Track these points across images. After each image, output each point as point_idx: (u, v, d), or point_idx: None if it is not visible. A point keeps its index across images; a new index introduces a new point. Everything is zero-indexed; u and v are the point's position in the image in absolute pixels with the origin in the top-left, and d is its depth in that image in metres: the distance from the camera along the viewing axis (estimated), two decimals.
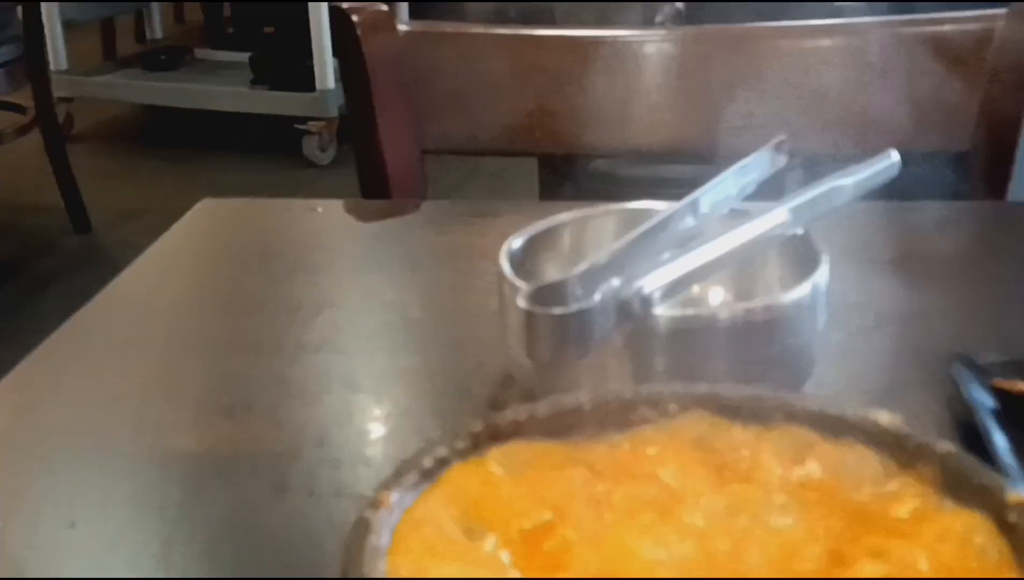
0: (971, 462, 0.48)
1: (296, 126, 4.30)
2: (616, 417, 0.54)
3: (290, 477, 0.76)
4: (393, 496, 0.48)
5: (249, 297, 0.99)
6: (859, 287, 0.96)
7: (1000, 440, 0.72)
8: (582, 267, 0.73)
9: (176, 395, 0.86)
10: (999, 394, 0.78)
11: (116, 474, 0.77)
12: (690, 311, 0.76)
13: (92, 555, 0.69)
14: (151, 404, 0.85)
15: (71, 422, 0.83)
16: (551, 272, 0.84)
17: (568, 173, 1.60)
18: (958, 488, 0.48)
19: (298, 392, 0.86)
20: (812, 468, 0.51)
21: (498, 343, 0.79)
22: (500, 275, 0.78)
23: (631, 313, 0.72)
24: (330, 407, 0.84)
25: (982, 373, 0.80)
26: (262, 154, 4.39)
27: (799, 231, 0.81)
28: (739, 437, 0.53)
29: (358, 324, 0.95)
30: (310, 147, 4.34)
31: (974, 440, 0.73)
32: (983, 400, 0.77)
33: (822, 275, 0.77)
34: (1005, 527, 0.45)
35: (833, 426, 0.52)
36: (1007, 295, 0.96)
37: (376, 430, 0.82)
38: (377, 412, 0.84)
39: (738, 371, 0.75)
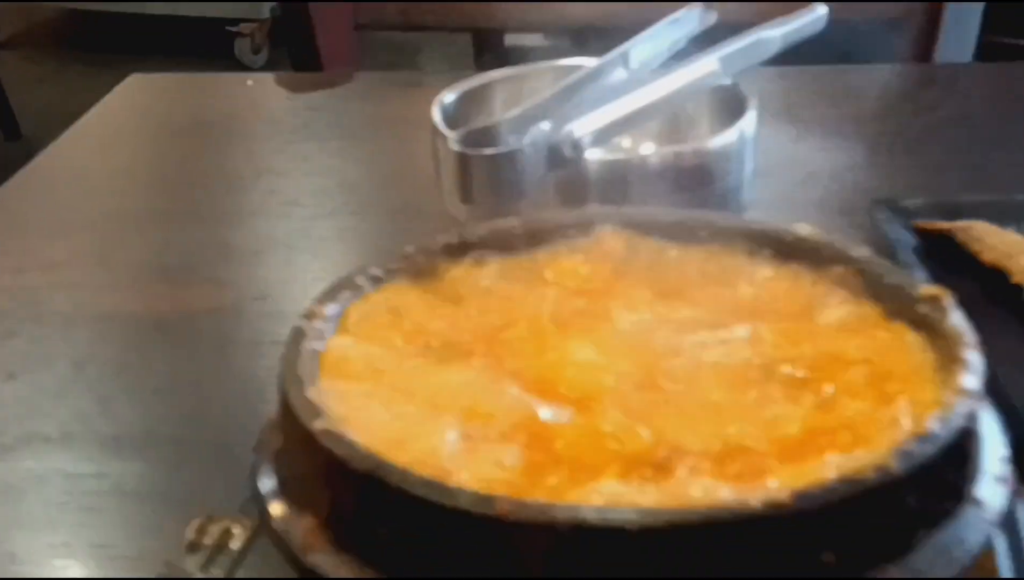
0: (885, 265, 0.50)
1: (228, 29, 4.20)
2: (547, 236, 0.55)
3: (233, 332, 0.76)
4: (328, 308, 0.49)
5: (185, 168, 0.99)
6: (790, 144, 0.98)
7: (920, 275, 0.75)
8: (513, 112, 0.74)
9: (114, 261, 0.86)
10: (921, 234, 0.80)
11: (54, 334, 0.77)
12: (620, 154, 0.77)
13: (34, 406, 0.70)
14: (88, 269, 0.84)
15: (5, 288, 0.82)
16: (484, 122, 0.84)
17: (501, 50, 1.59)
18: (875, 289, 0.50)
19: (239, 254, 0.86)
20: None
21: (435, 205, 0.80)
22: (433, 127, 0.79)
23: (562, 157, 0.73)
24: (272, 266, 0.85)
25: (904, 215, 0.82)
26: (194, 58, 4.28)
27: (728, 81, 0.82)
28: (669, 254, 0.54)
29: (296, 189, 0.95)
30: (242, 50, 4.24)
31: None
32: (905, 239, 0.79)
33: (749, 122, 0.79)
34: (917, 320, 0.47)
35: (755, 239, 0.54)
36: (933, 150, 0.98)
37: (318, 286, 0.82)
38: (318, 269, 0.85)
39: None
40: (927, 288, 0.47)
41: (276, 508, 0.43)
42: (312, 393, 0.43)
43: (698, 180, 0.76)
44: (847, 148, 0.98)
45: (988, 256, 0.74)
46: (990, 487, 0.41)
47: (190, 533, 0.50)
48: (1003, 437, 0.44)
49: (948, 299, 0.47)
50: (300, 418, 0.42)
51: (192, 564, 0.49)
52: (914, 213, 0.82)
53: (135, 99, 1.13)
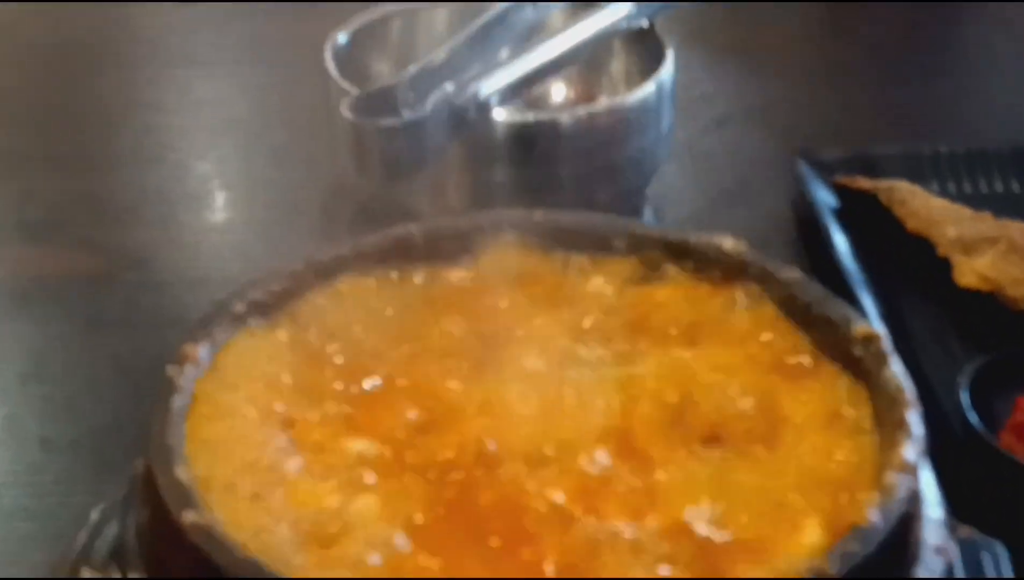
0: (816, 291, 0.46)
1: None
2: (438, 249, 0.50)
3: (106, 307, 0.70)
4: (200, 349, 0.43)
5: (46, 103, 0.88)
6: (706, 80, 0.93)
7: (840, 242, 0.71)
8: (413, 70, 0.67)
9: None
10: (841, 191, 0.77)
11: None
12: (530, 116, 0.71)
13: None
14: None
15: None
16: (380, 68, 0.77)
17: None
18: (805, 317, 0.46)
19: (111, 209, 0.78)
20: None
21: (327, 150, 0.73)
22: (325, 75, 0.71)
23: (467, 120, 0.66)
24: (148, 224, 0.77)
25: (824, 169, 0.78)
26: None
27: (644, 24, 0.76)
28: (575, 268, 0.50)
29: (176, 129, 0.87)
30: None
31: (817, 239, 0.72)
32: (825, 199, 0.76)
33: (667, 72, 0.73)
34: (850, 362, 0.43)
35: (677, 251, 0.49)
36: (852, 85, 0.94)
37: (199, 250, 0.76)
38: (199, 226, 0.78)
39: (583, 175, 0.71)
40: (862, 328, 0.44)
41: None
42: (181, 472, 0.38)
43: (614, 140, 0.71)
44: (763, 85, 0.93)
45: (912, 224, 0.71)
46: (929, 563, 0.39)
47: None
48: (939, 495, 0.41)
49: (884, 342, 0.43)
50: (168, 506, 0.37)
51: None
52: (833, 167, 0.78)
53: None
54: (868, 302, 0.65)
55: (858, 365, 0.43)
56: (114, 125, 0.87)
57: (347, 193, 0.75)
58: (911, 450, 0.38)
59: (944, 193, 0.75)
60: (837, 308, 0.45)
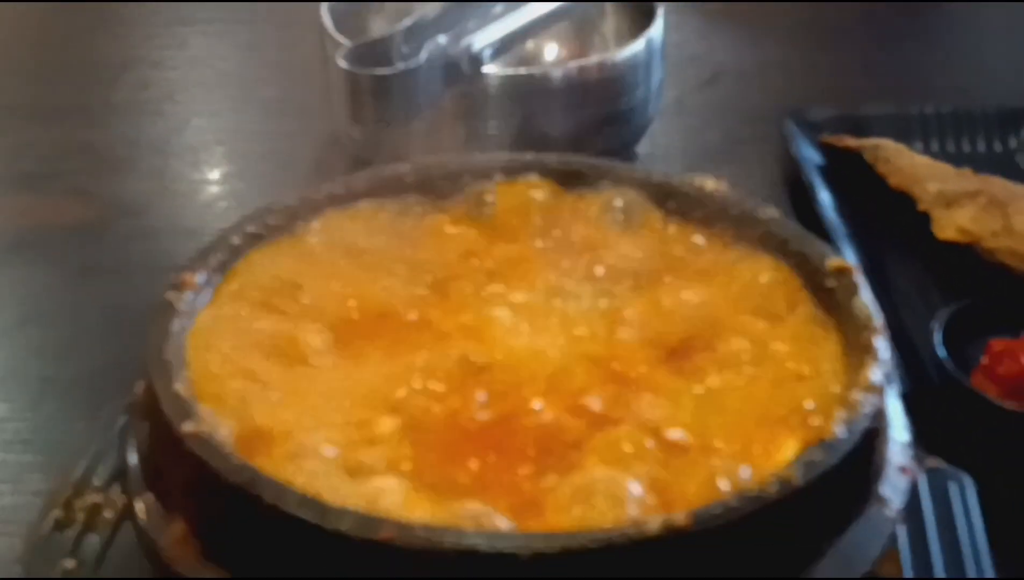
0: (793, 229, 0.48)
1: None
2: (438, 186, 0.51)
3: (100, 253, 0.71)
4: (198, 277, 0.45)
5: (43, 57, 0.90)
6: (698, 39, 0.94)
7: (825, 197, 0.73)
8: (407, 22, 0.68)
9: None
10: (827, 149, 0.78)
11: None
12: (522, 70, 0.72)
13: None
14: None
15: None
16: (378, 26, 0.78)
17: None
18: (782, 253, 0.47)
19: (107, 160, 0.79)
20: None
21: (322, 103, 0.74)
22: (321, 29, 0.73)
23: (460, 73, 0.68)
24: (143, 175, 0.78)
25: (812, 129, 0.80)
26: None
27: None
28: (569, 206, 0.51)
29: (171, 82, 0.88)
30: None
31: (803, 196, 0.74)
32: (811, 157, 0.77)
33: (657, 29, 0.74)
34: (822, 291, 0.45)
35: (659, 192, 0.51)
36: (843, 48, 0.95)
37: (194, 200, 0.77)
38: (196, 178, 0.79)
39: (573, 130, 0.72)
40: (835, 260, 0.45)
41: (143, 507, 0.40)
42: (180, 387, 0.39)
43: (604, 96, 0.72)
44: (755, 47, 0.94)
45: (895, 180, 0.73)
46: (893, 481, 0.40)
47: (56, 511, 0.46)
48: (904, 418, 0.43)
49: (856, 274, 0.44)
50: (168, 418, 0.38)
51: (59, 545, 0.45)
52: (821, 126, 0.80)
53: None
54: (850, 255, 0.66)
55: (831, 295, 0.44)
56: (111, 80, 0.88)
57: (340, 146, 0.76)
58: (877, 372, 0.40)
59: (929, 152, 0.77)
60: (812, 244, 0.47)
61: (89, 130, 0.82)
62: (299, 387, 0.41)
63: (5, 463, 0.57)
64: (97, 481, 0.47)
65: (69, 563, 0.43)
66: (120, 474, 0.44)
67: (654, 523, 0.34)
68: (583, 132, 0.73)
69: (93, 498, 0.46)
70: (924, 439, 0.50)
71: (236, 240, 0.47)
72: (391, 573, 0.34)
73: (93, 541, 0.44)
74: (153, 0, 0.99)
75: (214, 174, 0.80)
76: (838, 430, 0.38)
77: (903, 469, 0.41)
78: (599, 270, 0.49)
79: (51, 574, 0.43)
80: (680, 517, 0.34)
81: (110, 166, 0.79)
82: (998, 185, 0.69)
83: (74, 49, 0.91)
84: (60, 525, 0.45)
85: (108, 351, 0.62)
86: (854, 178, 0.75)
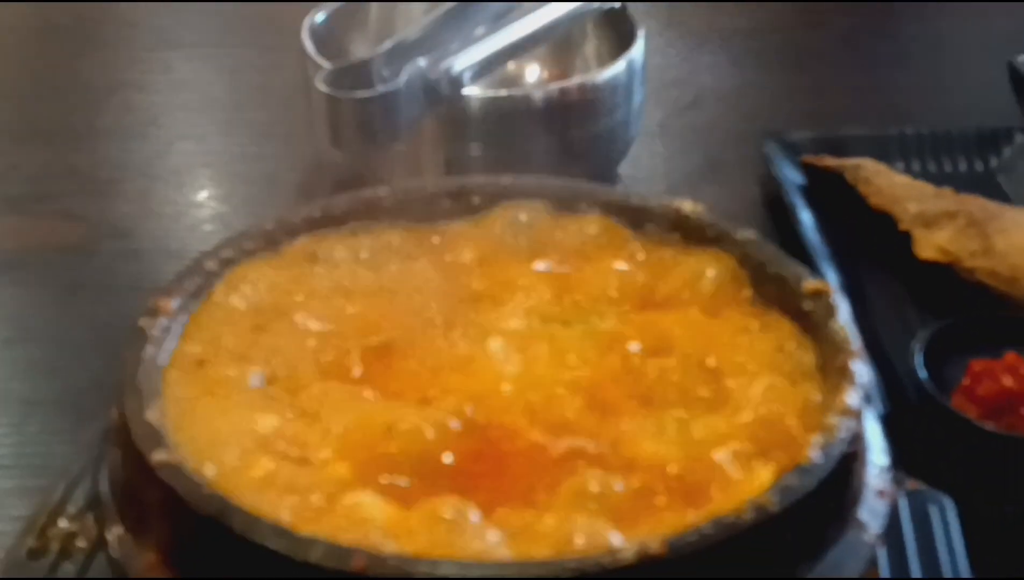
0: (770, 251, 0.48)
1: None
2: (418, 210, 0.51)
3: (85, 274, 0.71)
4: (173, 302, 0.45)
5: (30, 80, 0.90)
6: (680, 62, 0.95)
7: (806, 218, 0.73)
8: (387, 45, 0.69)
9: None
10: (808, 170, 0.78)
11: None
12: (502, 92, 0.72)
13: None
14: None
15: None
16: (357, 49, 0.79)
17: None
18: (759, 276, 0.47)
19: (92, 182, 0.79)
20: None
21: (305, 126, 0.74)
22: (302, 53, 0.73)
23: (440, 95, 0.68)
24: (128, 197, 0.79)
25: (793, 150, 0.80)
26: None
27: (616, 5, 0.78)
28: (549, 229, 0.51)
29: (156, 106, 0.88)
30: None
31: (784, 216, 0.74)
32: (792, 177, 0.78)
33: (638, 51, 0.75)
34: (800, 315, 0.45)
35: (637, 216, 0.51)
36: (824, 72, 0.96)
37: (179, 222, 0.77)
38: (180, 201, 0.79)
39: (555, 152, 0.73)
40: (812, 282, 0.45)
41: (115, 536, 0.40)
42: (152, 415, 0.39)
43: (585, 117, 0.73)
44: (736, 70, 0.95)
45: (875, 200, 0.73)
46: (871, 505, 0.40)
47: (30, 539, 0.46)
48: (883, 441, 0.43)
49: (833, 295, 0.44)
50: (139, 446, 0.38)
51: (33, 574, 0.45)
52: (802, 147, 0.80)
53: None
54: (831, 275, 0.66)
55: (808, 318, 0.44)
56: (96, 103, 0.88)
57: (324, 169, 0.76)
58: (854, 395, 0.40)
59: (909, 172, 0.77)
60: (789, 266, 0.47)
61: (75, 153, 0.82)
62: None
63: None
64: (72, 508, 0.47)
65: None
66: (95, 502, 0.44)
67: (628, 551, 0.34)
68: (565, 154, 0.73)
69: (67, 526, 0.46)
70: (904, 460, 0.50)
71: (212, 265, 0.47)
72: None
73: (68, 570, 0.44)
74: (137, 25, 0.99)
75: (199, 197, 0.80)
76: (814, 455, 0.38)
77: (881, 492, 0.41)
78: (580, 295, 0.49)
79: None
80: (655, 544, 0.34)
81: (96, 189, 0.79)
82: (977, 205, 0.69)
83: (59, 72, 0.91)
84: (35, 554, 0.45)
85: (92, 371, 0.62)
86: (835, 198, 0.75)
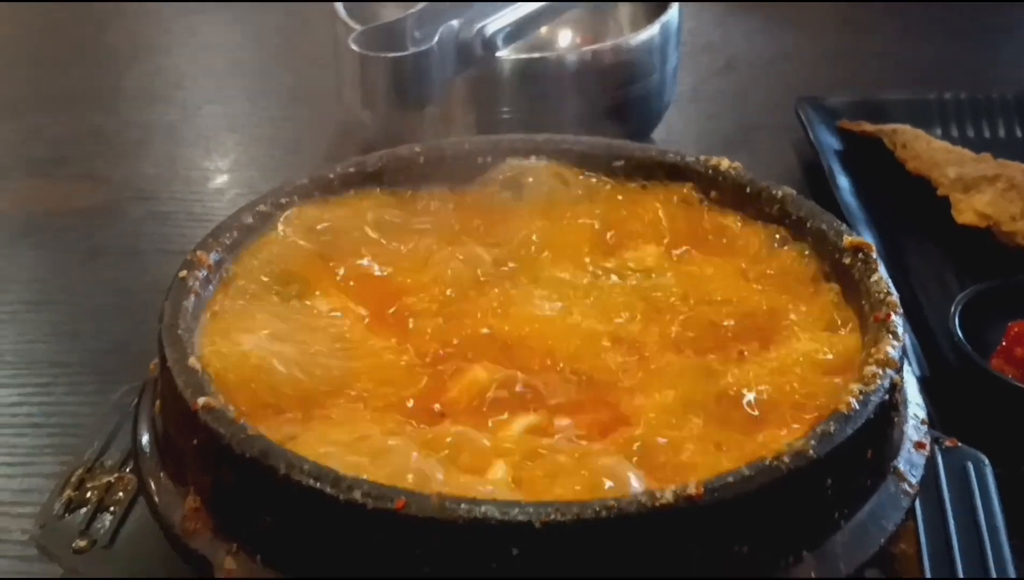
0: (810, 207, 0.47)
1: None
2: (453, 168, 0.51)
3: (110, 236, 0.71)
4: (211, 256, 0.44)
5: (55, 45, 0.90)
6: (713, 27, 0.93)
7: (843, 181, 0.72)
8: (420, 6, 0.68)
9: None
10: (845, 134, 0.77)
11: None
12: (535, 54, 0.71)
13: None
14: None
15: None
16: (390, 13, 0.78)
17: None
18: (798, 231, 0.47)
19: (117, 145, 0.79)
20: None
21: (334, 90, 0.74)
22: (333, 14, 0.72)
23: (473, 56, 0.67)
24: (154, 159, 0.78)
25: (830, 115, 0.79)
26: None
27: None
28: (585, 188, 0.51)
29: (181, 70, 0.88)
30: None
31: (821, 182, 0.73)
32: (829, 142, 0.76)
33: (672, 15, 0.74)
34: (839, 268, 0.44)
35: (673, 172, 0.50)
36: (862, 38, 0.94)
37: (204, 185, 0.77)
38: (206, 164, 0.79)
39: (588, 116, 0.72)
40: (852, 238, 0.44)
41: (156, 481, 0.40)
42: (194, 362, 0.39)
43: (618, 81, 0.72)
44: (773, 36, 0.93)
45: (913, 165, 0.72)
46: (910, 456, 0.40)
47: (69, 489, 0.46)
48: (921, 397, 0.42)
49: (873, 251, 0.44)
50: (181, 392, 0.38)
51: (71, 525, 0.45)
52: (838, 112, 0.79)
53: None
54: (869, 239, 0.65)
55: (848, 272, 0.44)
56: (123, 68, 0.87)
57: (352, 133, 0.76)
58: (893, 347, 0.39)
59: (948, 138, 0.76)
60: (830, 222, 0.46)
61: (99, 117, 0.82)
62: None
63: (17, 447, 0.56)
64: (109, 462, 0.47)
65: (81, 542, 0.43)
66: (132, 455, 0.43)
67: (667, 493, 0.34)
68: (598, 118, 0.72)
69: (105, 478, 0.46)
70: (942, 421, 0.50)
71: (249, 220, 0.47)
72: (405, 541, 0.34)
73: (105, 520, 0.44)
74: None
75: (225, 161, 0.79)
76: (853, 403, 0.37)
77: (919, 445, 0.40)
78: (615, 251, 0.48)
79: (64, 553, 0.43)
80: (692, 487, 0.34)
81: (120, 152, 0.78)
82: (1017, 170, 0.68)
83: (84, 37, 0.91)
84: (72, 505, 0.45)
85: (118, 333, 0.62)
86: (872, 164, 0.74)
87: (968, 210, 0.66)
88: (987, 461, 0.46)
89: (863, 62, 0.91)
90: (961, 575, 0.41)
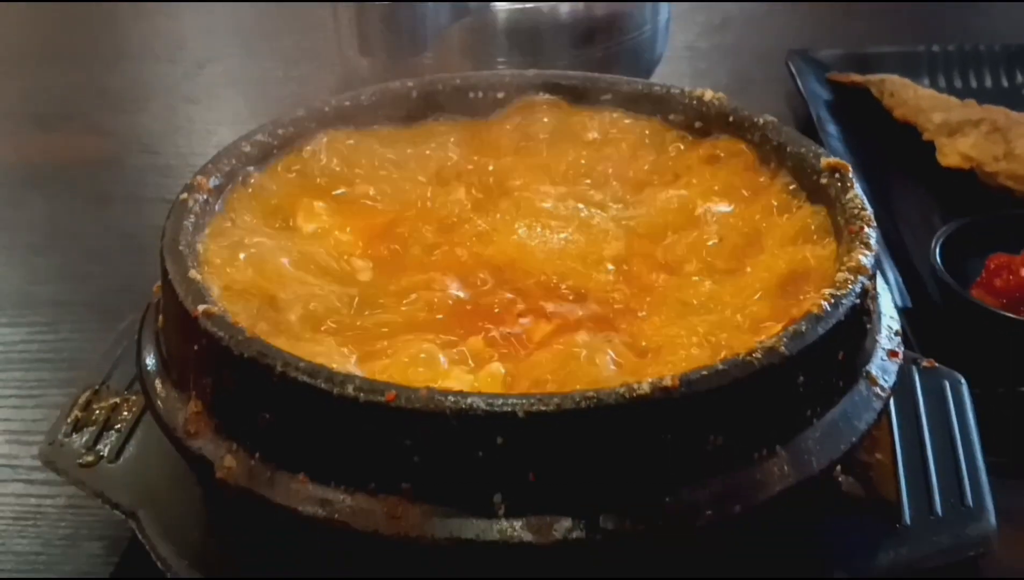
0: (790, 133, 0.48)
1: None
2: (448, 102, 0.52)
3: (113, 186, 0.72)
4: (211, 180, 0.46)
5: (64, 5, 0.91)
6: None
7: (832, 129, 0.73)
8: None
9: None
10: (834, 86, 0.79)
11: None
12: (529, 4, 0.73)
13: None
14: None
15: None
16: None
17: None
18: (779, 155, 0.48)
19: (120, 100, 0.81)
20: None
21: (332, 48, 0.75)
22: None
23: (468, 5, 0.68)
24: (156, 115, 0.80)
25: (820, 67, 0.80)
26: None
27: None
28: (573, 122, 0.52)
29: (183, 29, 0.89)
30: None
31: (812, 133, 0.74)
32: (819, 93, 0.78)
33: None
34: (817, 189, 0.46)
35: (659, 104, 0.52)
36: None
37: (206, 139, 0.78)
38: (207, 119, 0.80)
39: (580, 67, 0.72)
40: (829, 159, 0.46)
41: (160, 390, 0.41)
42: (194, 273, 0.41)
43: (611, 32, 0.73)
44: None
45: (900, 112, 0.73)
46: (882, 363, 0.41)
47: (76, 410, 0.48)
48: (895, 309, 0.44)
49: (849, 170, 0.45)
50: (182, 301, 0.40)
51: (77, 443, 0.46)
52: (828, 65, 0.81)
53: None
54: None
55: (825, 191, 0.45)
56: (124, 27, 0.89)
57: (352, 89, 0.77)
58: (864, 256, 0.41)
59: (936, 89, 0.77)
60: (808, 146, 0.47)
61: (104, 75, 0.83)
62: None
63: (26, 380, 0.58)
64: (115, 385, 0.48)
65: (88, 457, 0.45)
66: (137, 377, 0.45)
67: (644, 385, 0.35)
68: (590, 69, 0.73)
69: (112, 399, 0.48)
70: (924, 351, 0.51)
71: (248, 148, 0.48)
72: (395, 432, 0.35)
73: (111, 438, 0.46)
74: None
75: (225, 115, 0.81)
76: (825, 306, 0.38)
77: (892, 353, 0.42)
78: (604, 180, 0.50)
79: (71, 467, 0.45)
80: (669, 379, 0.35)
81: (124, 107, 0.80)
82: (1000, 113, 0.69)
83: None
84: (80, 425, 0.47)
85: (121, 275, 0.64)
86: (860, 113, 0.75)
87: (952, 153, 0.68)
88: (964, 380, 0.48)
89: (855, 16, 0.92)
90: (936, 484, 0.43)
